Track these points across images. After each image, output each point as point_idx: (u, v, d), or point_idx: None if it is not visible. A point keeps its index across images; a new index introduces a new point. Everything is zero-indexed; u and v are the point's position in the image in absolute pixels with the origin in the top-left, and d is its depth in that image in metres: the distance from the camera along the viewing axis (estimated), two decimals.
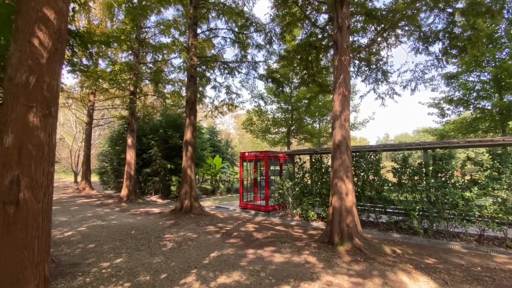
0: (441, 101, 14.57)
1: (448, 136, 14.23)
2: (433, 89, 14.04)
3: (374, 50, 10.02)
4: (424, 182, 8.03)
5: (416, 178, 8.22)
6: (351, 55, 6.65)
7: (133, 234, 7.25)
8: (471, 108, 13.81)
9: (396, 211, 8.60)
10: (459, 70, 13.98)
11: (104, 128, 29.73)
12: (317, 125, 19.71)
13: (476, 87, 12.80)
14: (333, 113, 6.45)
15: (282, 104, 17.97)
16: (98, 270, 4.78)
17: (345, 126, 6.22)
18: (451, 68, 13.89)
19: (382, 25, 8.74)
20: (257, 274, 4.69)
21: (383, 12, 7.66)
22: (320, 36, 9.73)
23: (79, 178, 22.99)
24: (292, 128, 17.85)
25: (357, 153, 9.11)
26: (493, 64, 12.65)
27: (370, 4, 8.47)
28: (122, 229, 7.89)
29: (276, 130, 19.24)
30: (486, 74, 12.93)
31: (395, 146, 8.70)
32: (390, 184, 8.68)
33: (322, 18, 9.86)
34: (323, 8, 8.03)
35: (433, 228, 7.71)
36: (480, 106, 13.59)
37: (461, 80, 14.12)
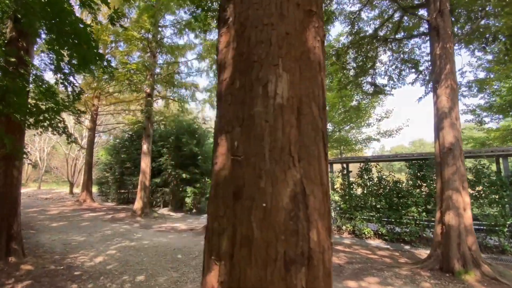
0: (477, 108, 13.91)
1: (488, 145, 13.50)
2: (472, 95, 13.36)
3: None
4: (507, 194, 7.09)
5: (498, 189, 7.24)
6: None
7: (182, 260, 5.80)
8: (510, 115, 13.19)
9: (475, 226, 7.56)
10: (491, 76, 13.43)
11: (99, 135, 27.70)
12: (337, 133, 18.72)
13: None
14: (438, 111, 5.38)
15: None
16: None
17: (456, 125, 5.15)
18: (483, 74, 13.27)
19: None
20: None
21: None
22: (368, 32, 8.88)
23: (75, 189, 20.89)
24: None
25: (424, 161, 8.10)
26: None
27: None
28: (162, 251, 6.41)
29: None
30: None
31: (471, 152, 7.70)
32: None
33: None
34: None
35: None
36: None
37: (495, 87, 13.57)
